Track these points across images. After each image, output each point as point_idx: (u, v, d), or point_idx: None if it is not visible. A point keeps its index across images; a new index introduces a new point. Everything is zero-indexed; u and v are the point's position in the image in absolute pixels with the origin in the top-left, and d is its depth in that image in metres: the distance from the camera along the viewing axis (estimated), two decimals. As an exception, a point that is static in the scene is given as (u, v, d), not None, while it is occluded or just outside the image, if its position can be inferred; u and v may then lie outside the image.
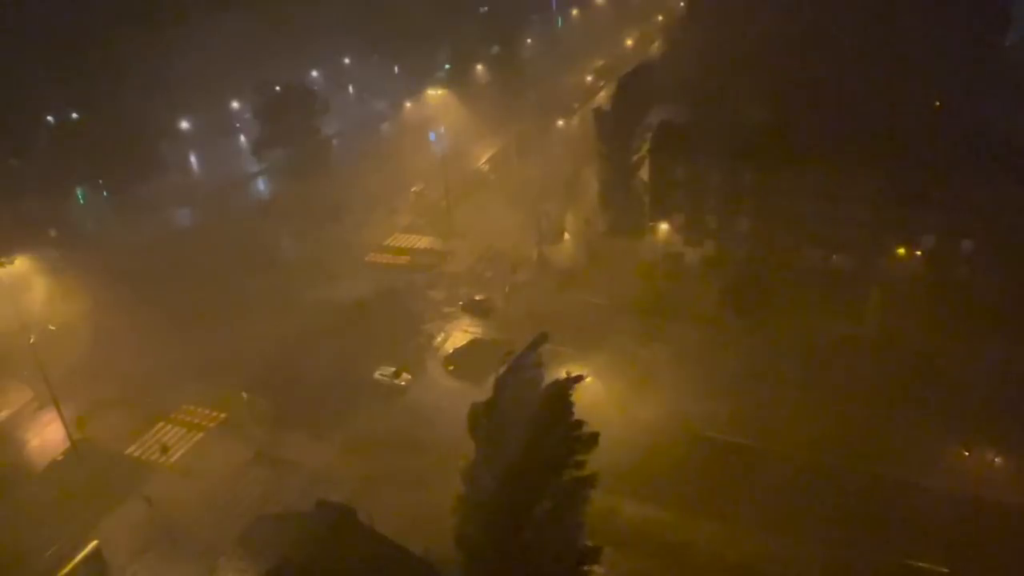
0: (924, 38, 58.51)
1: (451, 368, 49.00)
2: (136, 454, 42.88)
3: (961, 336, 43.83)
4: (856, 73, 58.88)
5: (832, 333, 46.34)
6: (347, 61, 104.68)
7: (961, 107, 57.84)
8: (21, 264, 50.82)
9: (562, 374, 28.46)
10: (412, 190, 73.30)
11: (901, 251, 50.94)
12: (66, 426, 42.41)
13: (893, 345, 44.53)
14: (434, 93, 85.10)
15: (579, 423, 26.99)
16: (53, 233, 63.97)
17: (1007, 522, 34.44)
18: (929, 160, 48.20)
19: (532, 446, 26.29)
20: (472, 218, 66.31)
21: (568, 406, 27.18)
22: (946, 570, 32.54)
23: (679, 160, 56.02)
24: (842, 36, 60.80)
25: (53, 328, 46.23)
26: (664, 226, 57.20)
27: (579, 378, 28.03)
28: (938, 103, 59.01)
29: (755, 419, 41.02)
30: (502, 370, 27.54)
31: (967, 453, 37.90)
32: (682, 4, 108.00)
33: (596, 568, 28.32)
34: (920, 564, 32.83)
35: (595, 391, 39.57)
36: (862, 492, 36.09)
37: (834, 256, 52.39)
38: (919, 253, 50.48)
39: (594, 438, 26.69)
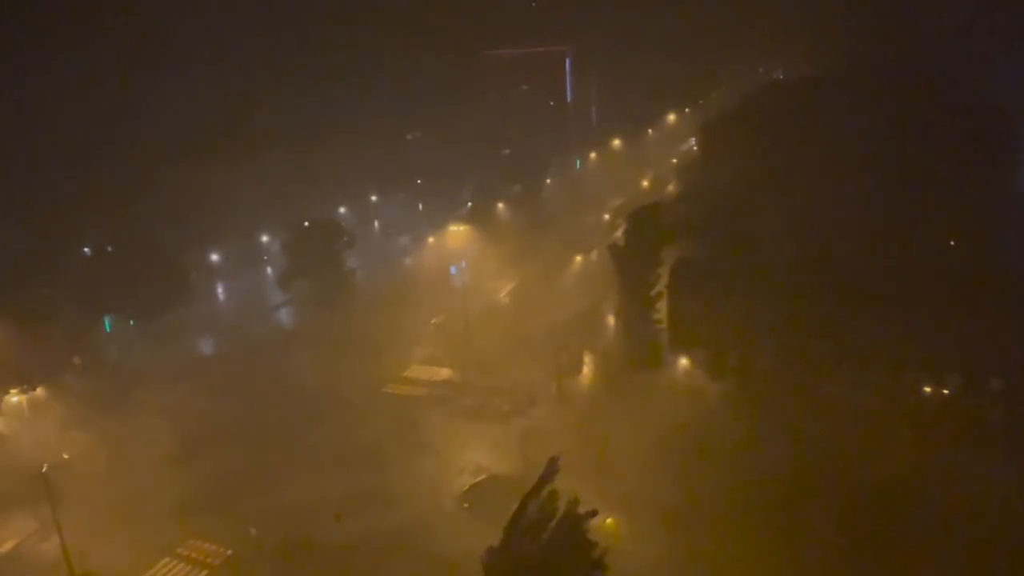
0: (939, 177, 60.12)
1: (466, 505, 47.58)
2: (138, 592, 41.39)
3: (1000, 481, 41.73)
4: (871, 211, 60.03)
5: (863, 476, 44.37)
6: (374, 198, 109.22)
7: (977, 246, 58.50)
8: (42, 392, 51.33)
9: (578, 510, 27.44)
10: (432, 322, 74.17)
11: (928, 389, 49.94)
12: (69, 561, 41.19)
13: (927, 494, 42.21)
14: (456, 229, 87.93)
15: (597, 562, 25.86)
16: (77, 360, 64.82)
17: None
18: (947, 297, 48.21)
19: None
20: (491, 350, 66.56)
21: (584, 542, 26.11)
22: None
23: (696, 296, 56.57)
24: (856, 176, 62.56)
25: (67, 457, 45.98)
26: (685, 361, 56.94)
27: (593, 513, 27.05)
28: (952, 242, 59.73)
29: (785, 569, 38.84)
30: (516, 510, 26.73)
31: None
32: (695, 148, 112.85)
33: None
34: None
35: (612, 528, 38.06)
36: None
37: (856, 394, 51.28)
38: (946, 392, 49.45)
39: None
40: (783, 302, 50.58)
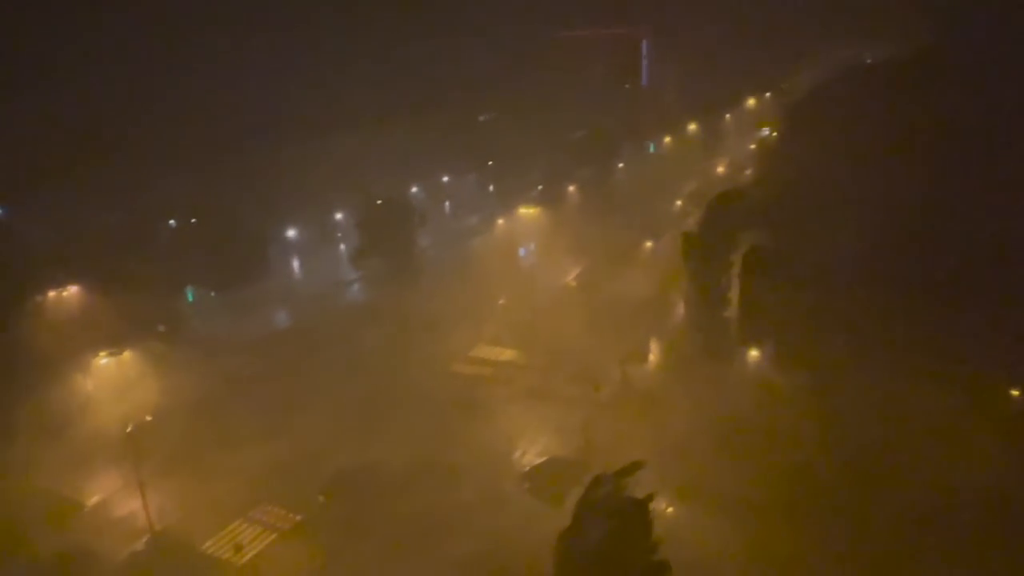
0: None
1: (527, 486, 47.89)
2: (210, 551, 43.23)
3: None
4: (962, 201, 56.93)
5: (941, 480, 42.35)
6: (445, 179, 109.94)
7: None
8: (129, 356, 53.81)
9: (640, 496, 27.42)
10: (499, 303, 74.50)
11: (1015, 393, 47.42)
12: (149, 517, 43.45)
13: (1014, 501, 40.14)
14: (526, 211, 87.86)
15: (655, 546, 25.84)
16: (161, 328, 67.60)
17: None
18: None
19: (611, 568, 25.23)
20: (557, 333, 66.40)
21: (645, 528, 26.14)
22: None
23: (768, 285, 55.04)
24: (946, 164, 59.42)
25: (150, 419, 48.25)
26: (754, 352, 55.67)
27: (651, 497, 27.08)
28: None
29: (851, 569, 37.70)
30: (586, 491, 26.92)
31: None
32: (774, 134, 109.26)
33: None
34: None
35: (675, 521, 37.72)
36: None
37: (939, 394, 49.03)
38: (1037, 395, 46.94)
39: (665, 566, 25.47)
40: (860, 294, 48.75)
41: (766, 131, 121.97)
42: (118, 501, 47.71)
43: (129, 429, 44.24)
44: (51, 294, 63.91)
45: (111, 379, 53.04)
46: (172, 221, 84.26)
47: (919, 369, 48.63)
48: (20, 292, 60.81)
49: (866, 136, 66.23)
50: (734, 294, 59.68)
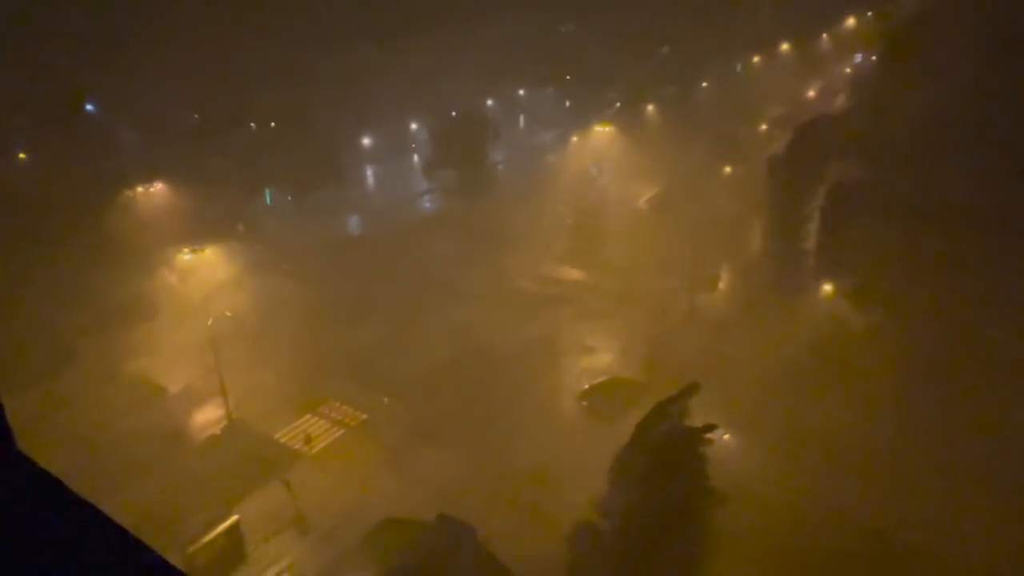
0: None
1: (584, 403, 48.57)
2: (283, 440, 45.81)
3: None
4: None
5: (1015, 424, 40.84)
6: (521, 92, 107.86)
7: None
8: (210, 252, 55.83)
9: (699, 424, 27.42)
10: (568, 222, 73.89)
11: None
12: (227, 404, 46.12)
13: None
14: (602, 129, 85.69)
15: (706, 476, 25.99)
16: (241, 228, 69.83)
17: None
18: None
19: (661, 492, 25.58)
20: (626, 256, 65.80)
21: (700, 457, 26.25)
22: None
23: (854, 219, 52.61)
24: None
25: (230, 314, 50.41)
26: (830, 287, 53.87)
27: (712, 427, 27.03)
28: None
29: (910, 507, 37.05)
30: (647, 416, 27.05)
31: None
32: (873, 58, 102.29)
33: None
34: None
35: (732, 449, 37.72)
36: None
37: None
38: None
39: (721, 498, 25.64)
40: (953, 236, 46.12)
41: (861, 56, 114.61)
42: (198, 389, 50.58)
43: (210, 323, 46.40)
44: (139, 189, 66.46)
45: (194, 274, 55.32)
46: (253, 124, 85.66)
47: (1004, 318, 46.32)
48: (112, 187, 63.52)
49: (976, 68, 61.11)
50: (815, 226, 57.37)
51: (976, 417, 41.11)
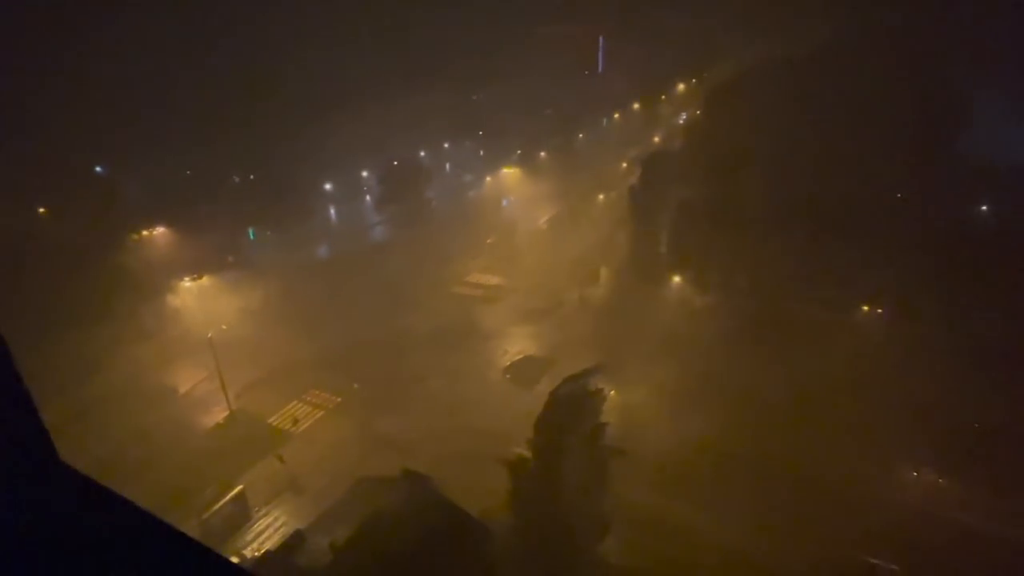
0: (894, 139, 56.50)
1: (508, 376, 48.72)
2: (275, 423, 43.89)
3: (923, 380, 40.64)
4: (839, 166, 56.85)
5: (812, 369, 43.65)
6: (446, 145, 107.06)
7: (922, 198, 55.30)
8: (207, 280, 53.05)
9: (593, 388, 27.93)
10: (488, 241, 73.94)
11: (865, 308, 48.44)
12: (228, 399, 43.80)
13: (862, 385, 41.69)
14: (509, 171, 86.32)
15: (602, 426, 26.53)
16: (230, 259, 66.53)
17: (944, 530, 31.96)
18: (892, 239, 46.02)
19: (569, 441, 25.91)
20: (532, 264, 66.37)
21: (596, 414, 26.77)
22: (896, 567, 30.24)
23: (693, 228, 54.98)
24: (827, 137, 58.84)
25: (225, 327, 48.03)
26: (678, 279, 56.02)
27: (602, 391, 27.70)
28: (900, 195, 56.47)
29: (747, 432, 39.00)
30: (558, 386, 27.35)
31: (915, 474, 35.43)
32: (698, 112, 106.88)
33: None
34: (875, 561, 30.57)
35: (618, 403, 38.61)
36: (832, 500, 33.92)
37: (811, 309, 49.91)
38: (880, 311, 47.93)
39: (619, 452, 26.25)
40: (760, 236, 48.87)
41: (687, 112, 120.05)
42: (203, 388, 47.92)
43: (210, 335, 44.02)
44: (144, 233, 62.39)
45: (194, 298, 52.42)
46: (236, 177, 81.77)
47: (799, 292, 49.40)
48: (120, 232, 59.39)
49: (769, 113, 64.91)
50: (665, 235, 59.52)
51: (781, 363, 43.78)
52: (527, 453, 27.18)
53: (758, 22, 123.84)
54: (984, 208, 59.66)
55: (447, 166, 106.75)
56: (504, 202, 78.29)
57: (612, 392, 38.14)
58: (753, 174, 53.68)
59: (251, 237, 77.62)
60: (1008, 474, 34.46)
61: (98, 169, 72.82)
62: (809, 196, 51.90)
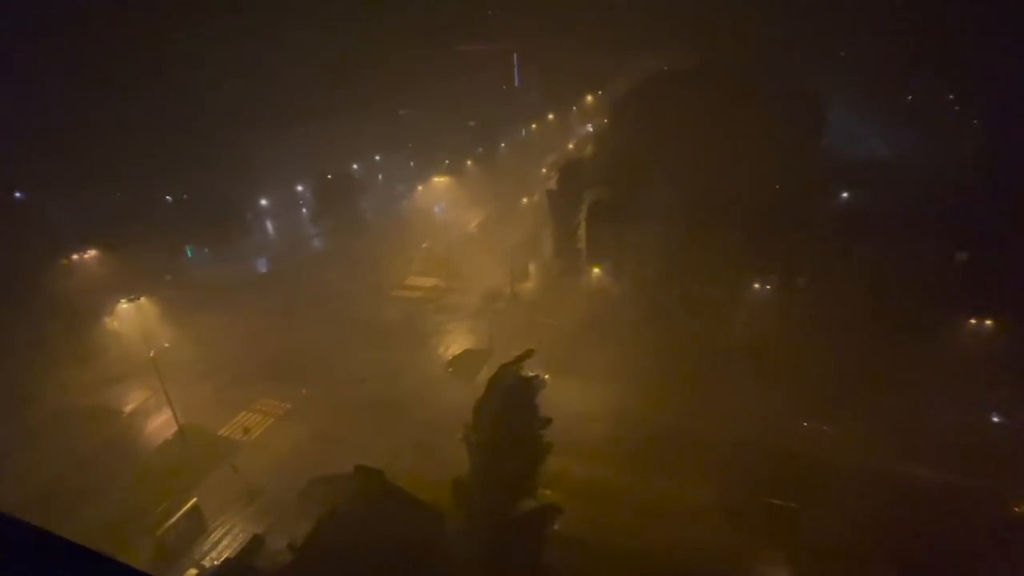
0: (769, 140, 60.63)
1: (450, 369, 48.44)
2: (226, 434, 41.55)
3: (805, 341, 43.77)
4: (724, 163, 60.25)
5: (714, 341, 46.32)
6: (377, 158, 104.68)
7: (794, 189, 59.69)
8: (145, 301, 49.35)
9: (528, 375, 28.23)
10: (423, 246, 73.02)
11: (756, 285, 51.68)
12: (175, 415, 40.99)
13: (756, 350, 44.36)
14: (438, 180, 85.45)
15: (537, 408, 26.86)
16: (168, 278, 62.35)
17: (832, 472, 34.71)
18: (772, 224, 49.31)
19: (508, 424, 26.05)
20: (465, 265, 66.19)
21: (532, 398, 27.04)
22: (795, 505, 32.58)
23: (605, 225, 56.66)
24: (713, 138, 62.24)
25: (167, 345, 44.94)
26: (596, 270, 57.62)
27: (537, 377, 28.02)
28: (777, 186, 60.68)
29: (662, 401, 40.86)
30: (495, 373, 27.34)
31: (805, 424, 38.26)
32: (606, 121, 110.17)
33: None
34: (776, 501, 32.83)
35: (552, 386, 39.24)
36: (733, 451, 35.97)
37: (711, 289, 52.58)
38: (768, 287, 51.26)
39: (548, 421, 26.61)
40: (666, 228, 50.85)
41: (592, 124, 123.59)
42: (148, 407, 44.59)
43: (152, 353, 40.96)
44: (74, 257, 57.16)
45: (133, 319, 48.54)
46: (168, 197, 76.38)
47: (703, 275, 52.01)
48: (48, 257, 54.10)
49: (665, 119, 67.70)
50: (583, 232, 61.02)
51: (688, 337, 46.21)
52: (472, 440, 27.19)
53: (645, 43, 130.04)
54: (845, 195, 65.24)
55: (379, 177, 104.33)
56: (436, 209, 77.40)
57: (546, 376, 38.81)
58: (654, 174, 56.00)
59: (188, 255, 72.84)
60: (879, 415, 37.89)
61: (17, 195, 66.06)
62: (703, 191, 54.76)
